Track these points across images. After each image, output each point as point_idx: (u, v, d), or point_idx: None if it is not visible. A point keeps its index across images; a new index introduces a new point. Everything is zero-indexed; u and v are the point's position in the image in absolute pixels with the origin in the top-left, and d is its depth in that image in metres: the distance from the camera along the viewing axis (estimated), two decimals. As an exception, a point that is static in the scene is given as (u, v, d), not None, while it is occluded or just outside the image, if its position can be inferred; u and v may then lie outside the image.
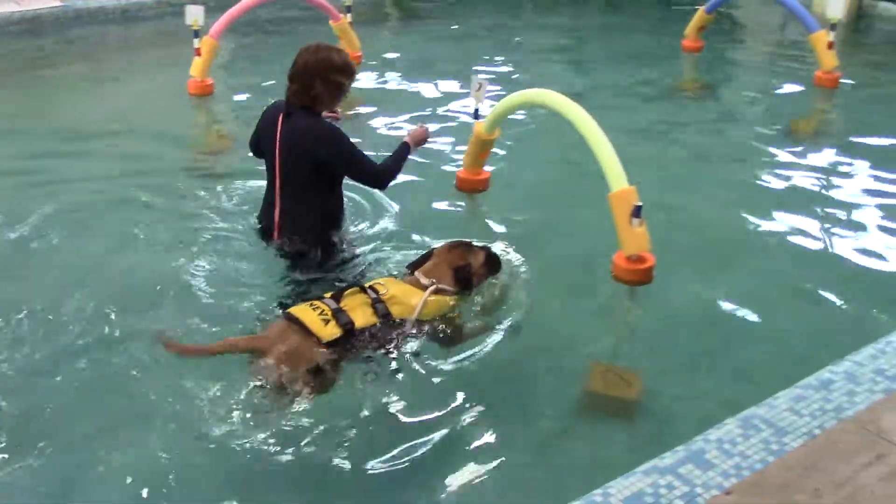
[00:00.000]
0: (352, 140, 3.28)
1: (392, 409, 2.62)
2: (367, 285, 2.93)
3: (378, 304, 2.85)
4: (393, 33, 7.65)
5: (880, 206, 4.23)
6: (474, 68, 5.39)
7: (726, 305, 3.38)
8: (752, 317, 3.32)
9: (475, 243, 3.19)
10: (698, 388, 2.89)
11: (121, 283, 3.29)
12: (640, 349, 3.13)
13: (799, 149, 4.98)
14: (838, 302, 3.40)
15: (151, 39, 7.32)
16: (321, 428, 2.50)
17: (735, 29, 7.84)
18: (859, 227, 4.03)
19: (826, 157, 4.86)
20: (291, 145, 3.23)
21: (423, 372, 2.77)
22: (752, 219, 4.08)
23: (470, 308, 3.03)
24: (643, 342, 3.19)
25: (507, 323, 3.03)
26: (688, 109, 5.84)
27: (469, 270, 3.06)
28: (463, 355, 2.86)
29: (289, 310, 2.80)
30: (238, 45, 6.82)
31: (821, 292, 3.47)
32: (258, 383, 2.58)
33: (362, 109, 5.48)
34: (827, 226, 4.05)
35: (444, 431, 2.56)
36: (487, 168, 4.20)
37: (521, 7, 8.90)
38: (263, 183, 3.35)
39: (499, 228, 3.88)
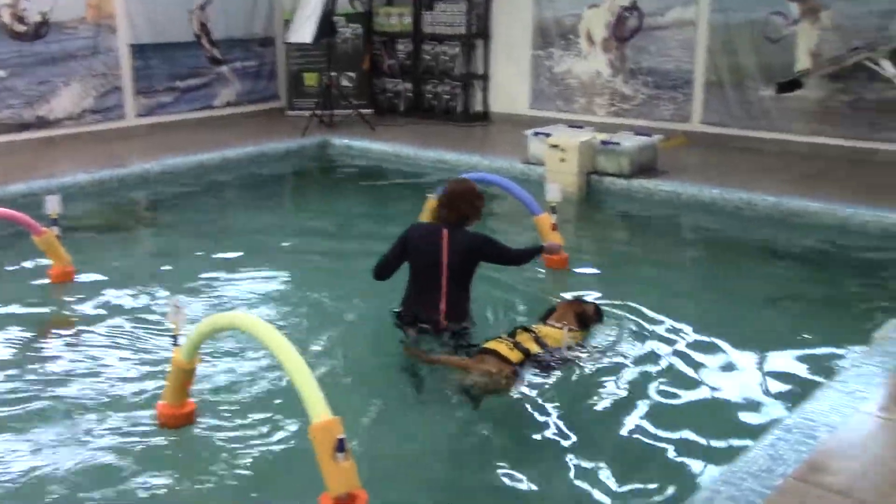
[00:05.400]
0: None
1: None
2: (524, 328, 4.42)
3: (539, 340, 4.32)
4: (117, 244, 6.96)
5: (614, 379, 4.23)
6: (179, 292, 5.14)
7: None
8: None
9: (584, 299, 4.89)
10: None
11: None
12: None
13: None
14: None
15: None
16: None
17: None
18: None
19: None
20: (461, 251, 4.50)
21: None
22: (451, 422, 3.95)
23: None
24: None
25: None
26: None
27: (588, 315, 4.67)
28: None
29: (484, 345, 4.24)
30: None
31: None
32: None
33: (68, 331, 4.91)
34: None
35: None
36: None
37: (280, 206, 8.67)
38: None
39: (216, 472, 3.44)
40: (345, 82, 11.81)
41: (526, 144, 8.75)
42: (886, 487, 2.91)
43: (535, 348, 4.27)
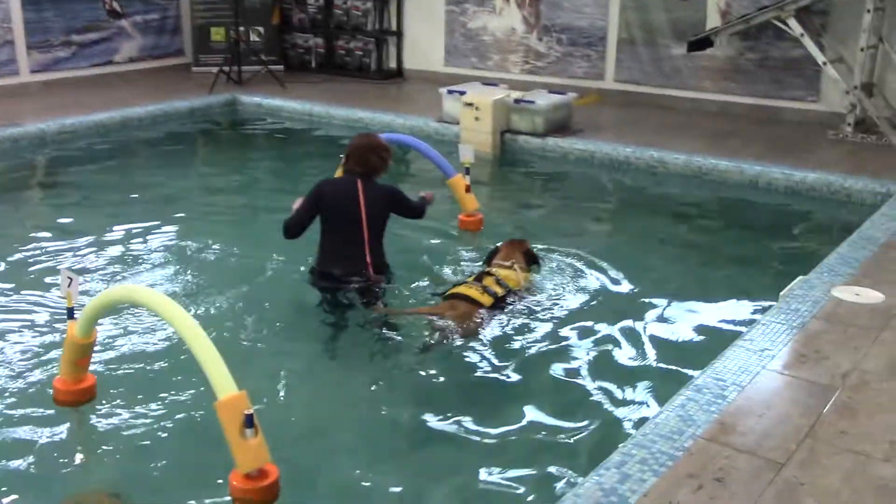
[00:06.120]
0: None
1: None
2: (487, 272, 4.47)
3: (501, 282, 4.39)
4: (10, 209, 6.50)
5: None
6: (66, 264, 4.94)
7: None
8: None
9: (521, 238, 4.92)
10: None
11: None
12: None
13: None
14: None
15: None
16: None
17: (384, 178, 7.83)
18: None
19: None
20: (376, 202, 4.53)
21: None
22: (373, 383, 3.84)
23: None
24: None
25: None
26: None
27: (532, 253, 4.76)
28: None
29: (454, 290, 4.33)
30: None
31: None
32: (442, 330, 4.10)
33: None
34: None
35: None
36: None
37: (186, 167, 8.30)
38: None
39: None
40: (254, 37, 11.43)
41: (440, 103, 8.63)
42: (791, 445, 2.96)
43: (500, 291, 4.36)
